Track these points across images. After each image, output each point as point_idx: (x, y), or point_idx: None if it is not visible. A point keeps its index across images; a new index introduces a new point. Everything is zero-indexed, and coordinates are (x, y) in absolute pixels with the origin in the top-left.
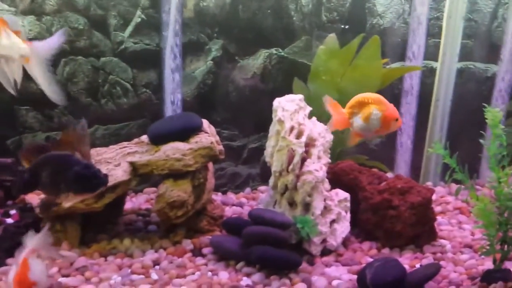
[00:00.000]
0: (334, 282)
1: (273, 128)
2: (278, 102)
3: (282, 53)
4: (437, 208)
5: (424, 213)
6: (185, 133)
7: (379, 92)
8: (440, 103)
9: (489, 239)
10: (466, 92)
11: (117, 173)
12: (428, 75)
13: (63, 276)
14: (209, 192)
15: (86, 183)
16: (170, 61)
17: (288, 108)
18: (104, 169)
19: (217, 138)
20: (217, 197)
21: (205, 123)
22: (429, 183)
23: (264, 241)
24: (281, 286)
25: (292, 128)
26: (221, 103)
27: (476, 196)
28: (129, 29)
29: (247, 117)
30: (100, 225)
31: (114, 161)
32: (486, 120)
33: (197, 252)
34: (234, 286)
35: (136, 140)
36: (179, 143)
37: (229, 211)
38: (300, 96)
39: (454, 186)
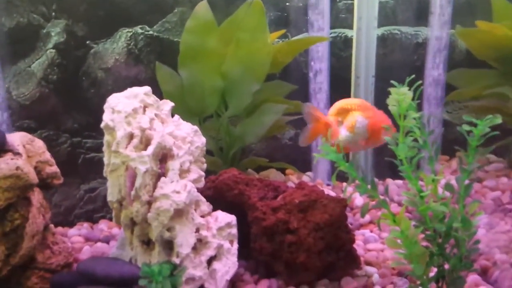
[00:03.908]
0: None
1: (104, 139)
2: (107, 102)
3: (151, 32)
4: (365, 218)
5: (335, 234)
6: None
7: (278, 73)
8: (361, 80)
9: (418, 278)
10: (392, 64)
11: None
12: (342, 47)
13: None
14: (34, 236)
15: None
16: None
17: (122, 108)
18: None
19: (45, 157)
20: (81, 230)
21: (18, 138)
22: (358, 182)
23: None
24: None
25: (131, 136)
26: (76, 104)
27: (392, 215)
28: None
29: None
30: None
31: None
32: (389, 107)
33: None
34: None
35: None
36: None
37: (86, 253)
38: (146, 89)
39: (390, 182)
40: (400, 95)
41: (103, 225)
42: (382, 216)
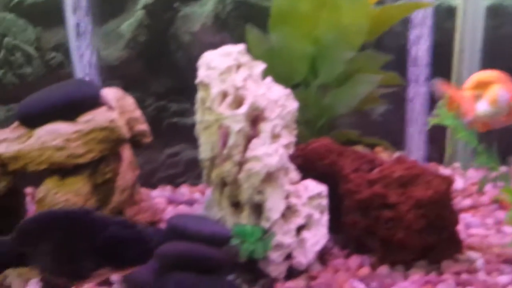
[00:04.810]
0: None
1: (198, 96)
2: (203, 58)
3: None
4: (466, 202)
5: (439, 213)
6: (69, 108)
7: (373, 42)
8: (465, 55)
9: None
10: (502, 38)
11: None
12: (445, 17)
13: None
14: (124, 191)
15: (130, 250)
16: (73, 12)
17: (217, 64)
18: None
19: (136, 114)
20: (164, 192)
21: (111, 93)
22: (456, 164)
23: (187, 264)
24: None
25: (224, 94)
26: (163, 67)
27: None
28: None
29: None
30: None
31: None
32: None
33: (103, 279)
34: None
35: (15, 123)
36: (60, 123)
37: (170, 214)
38: (240, 48)
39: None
40: None
41: (184, 189)
42: (503, 192)
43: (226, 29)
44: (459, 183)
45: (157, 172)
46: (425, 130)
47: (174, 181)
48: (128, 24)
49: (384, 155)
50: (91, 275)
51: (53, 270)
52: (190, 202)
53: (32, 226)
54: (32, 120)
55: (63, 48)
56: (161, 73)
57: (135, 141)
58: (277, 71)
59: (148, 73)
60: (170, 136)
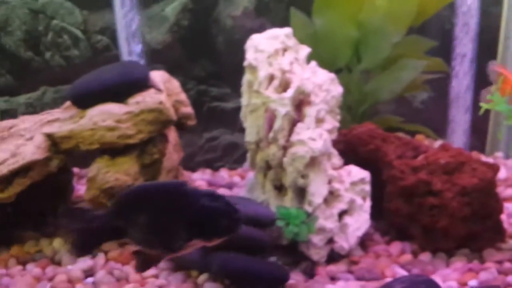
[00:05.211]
0: None
1: (244, 78)
2: (251, 40)
3: None
4: (509, 191)
5: (483, 201)
6: (120, 90)
7: (418, 27)
8: (511, 42)
9: None
10: None
11: (26, 151)
12: (492, 2)
13: None
14: (170, 172)
15: (220, 222)
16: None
17: (265, 47)
18: (11, 145)
19: (181, 97)
20: (204, 175)
21: (159, 76)
22: (498, 154)
23: (231, 244)
24: None
25: (271, 78)
26: (204, 51)
27: None
28: None
29: (241, 69)
30: (34, 218)
31: (28, 133)
32: None
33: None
34: None
35: (66, 104)
36: (111, 104)
37: None
38: (287, 31)
39: None
40: None
41: (223, 173)
42: None
43: (268, 13)
44: (501, 173)
45: (196, 155)
46: (468, 118)
47: (212, 165)
48: (172, 7)
49: (426, 142)
50: (183, 247)
51: (148, 242)
52: (230, 186)
53: (129, 199)
54: (84, 100)
55: (109, 31)
56: (203, 57)
57: (180, 124)
58: (320, 56)
59: (190, 57)
60: (209, 120)
